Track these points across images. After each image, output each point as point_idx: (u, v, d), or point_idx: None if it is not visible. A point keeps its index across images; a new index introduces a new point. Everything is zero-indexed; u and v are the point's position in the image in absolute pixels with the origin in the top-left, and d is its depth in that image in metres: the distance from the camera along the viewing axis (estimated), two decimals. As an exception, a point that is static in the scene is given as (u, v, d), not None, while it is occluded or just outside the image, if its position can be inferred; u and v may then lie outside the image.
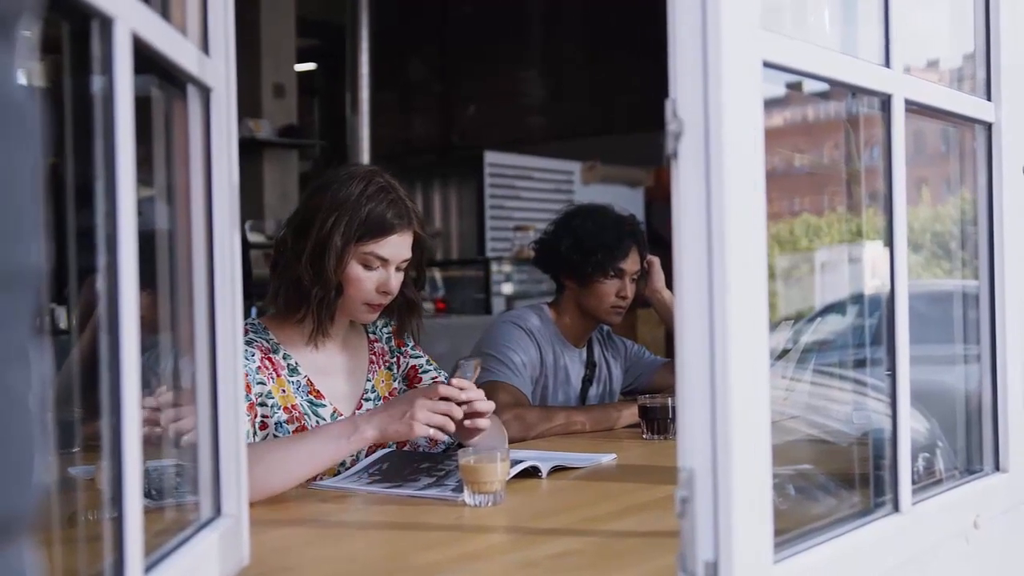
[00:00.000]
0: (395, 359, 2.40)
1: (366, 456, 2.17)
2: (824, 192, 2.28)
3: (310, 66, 10.58)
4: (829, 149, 2.06)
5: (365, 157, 8.69)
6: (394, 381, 2.38)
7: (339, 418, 2.20)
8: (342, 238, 2.13)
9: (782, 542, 1.23)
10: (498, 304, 7.33)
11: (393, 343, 2.41)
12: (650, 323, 6.81)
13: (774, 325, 1.28)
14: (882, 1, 1.50)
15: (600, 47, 9.62)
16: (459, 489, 1.86)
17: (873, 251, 1.88)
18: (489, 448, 1.93)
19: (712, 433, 1.13)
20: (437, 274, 7.72)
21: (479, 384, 2.80)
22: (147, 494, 1.05)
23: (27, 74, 0.60)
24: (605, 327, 3.11)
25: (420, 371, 2.41)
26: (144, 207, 1.09)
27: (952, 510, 1.62)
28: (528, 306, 3.10)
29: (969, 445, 1.81)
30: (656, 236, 3.14)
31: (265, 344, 2.18)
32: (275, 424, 2.12)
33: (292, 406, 2.16)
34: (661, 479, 2.08)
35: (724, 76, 1.13)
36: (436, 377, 2.40)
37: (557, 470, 2.14)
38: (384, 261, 2.18)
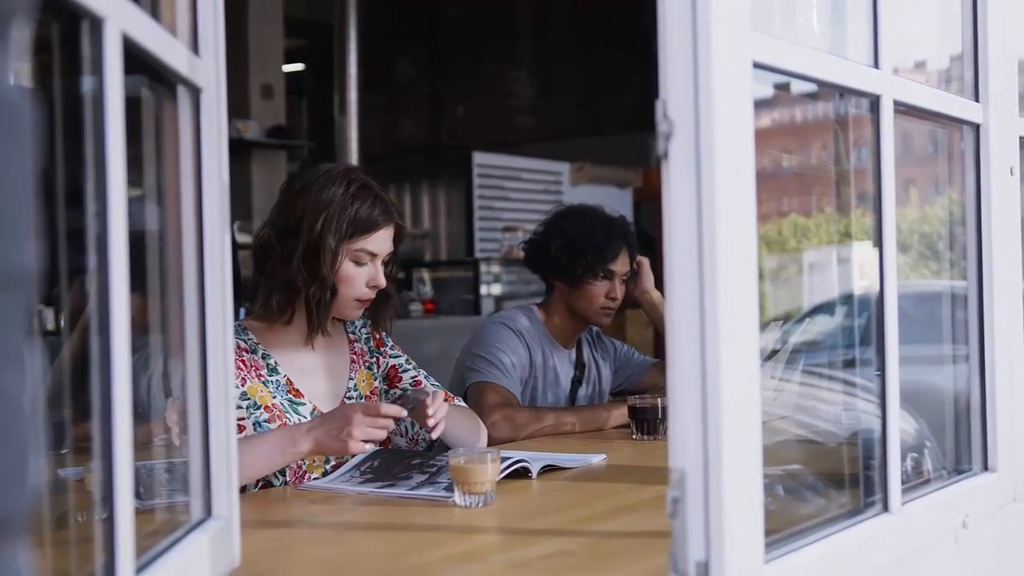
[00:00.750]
0: (375, 359, 2.43)
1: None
2: (812, 193, 2.29)
3: (298, 67, 10.56)
4: (817, 150, 2.07)
5: (353, 158, 8.68)
6: (375, 380, 2.41)
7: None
8: (334, 237, 2.17)
9: (773, 542, 1.23)
10: (487, 305, 7.33)
11: (372, 343, 2.44)
12: (638, 324, 6.82)
13: (762, 326, 1.28)
14: (871, 2, 1.50)
15: (589, 48, 9.63)
16: (451, 488, 1.86)
17: (861, 252, 1.88)
18: (467, 442, 1.94)
19: (703, 433, 1.14)
20: (426, 275, 7.71)
21: (467, 386, 2.81)
22: (136, 494, 1.05)
23: (19, 75, 0.60)
24: (594, 328, 3.11)
25: (400, 370, 2.45)
26: (132, 207, 1.09)
27: (941, 510, 1.63)
28: (517, 307, 3.10)
29: (958, 445, 1.82)
30: (645, 237, 3.14)
31: (242, 344, 2.19)
32: (254, 424, 2.13)
33: (272, 405, 2.17)
34: (651, 479, 2.08)
35: (714, 77, 1.13)
36: (416, 376, 2.44)
37: (547, 470, 2.15)
38: (373, 256, 2.23)
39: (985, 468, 1.76)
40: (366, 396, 2.38)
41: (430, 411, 2.08)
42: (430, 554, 1.58)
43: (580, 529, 1.71)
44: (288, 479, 2.15)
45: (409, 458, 2.11)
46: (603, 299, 2.92)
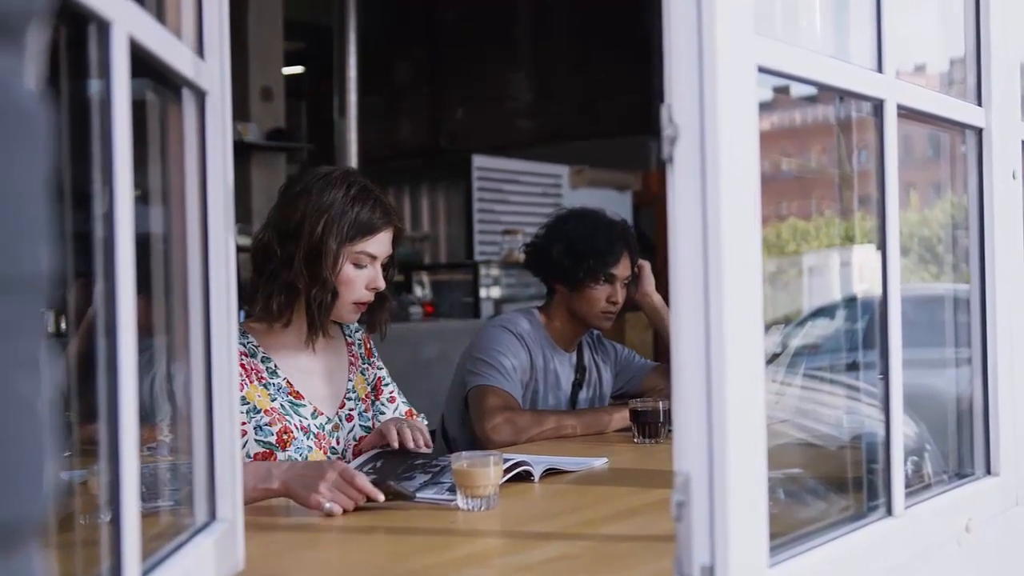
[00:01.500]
0: (367, 366, 2.45)
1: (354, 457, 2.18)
2: (811, 196, 2.29)
3: (297, 69, 10.57)
4: (816, 153, 2.07)
5: (353, 160, 8.67)
6: (368, 387, 2.43)
7: (319, 417, 2.25)
8: (336, 240, 2.17)
9: (777, 546, 1.23)
10: (486, 308, 7.32)
11: (363, 350, 2.46)
12: (638, 327, 6.82)
13: (764, 329, 1.28)
14: (874, 6, 1.50)
15: (589, 50, 9.63)
16: (455, 489, 1.86)
17: (862, 255, 1.89)
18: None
19: (708, 437, 1.14)
20: (425, 277, 7.70)
21: (468, 389, 2.81)
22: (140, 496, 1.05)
23: (35, 79, 0.60)
24: (595, 331, 3.11)
25: (383, 383, 2.47)
26: (136, 210, 1.09)
27: (944, 514, 1.63)
28: (518, 310, 3.10)
29: (960, 449, 1.82)
30: (644, 240, 3.14)
31: (242, 347, 2.19)
32: (255, 428, 2.13)
33: (272, 408, 2.18)
34: (653, 483, 2.08)
35: (719, 81, 1.13)
36: (393, 392, 2.46)
37: (549, 473, 2.15)
38: (373, 258, 2.24)
39: (988, 472, 1.77)
40: (363, 398, 2.40)
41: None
42: (433, 557, 1.58)
43: (583, 533, 1.71)
44: None
45: (412, 458, 2.11)
46: (604, 303, 2.92)
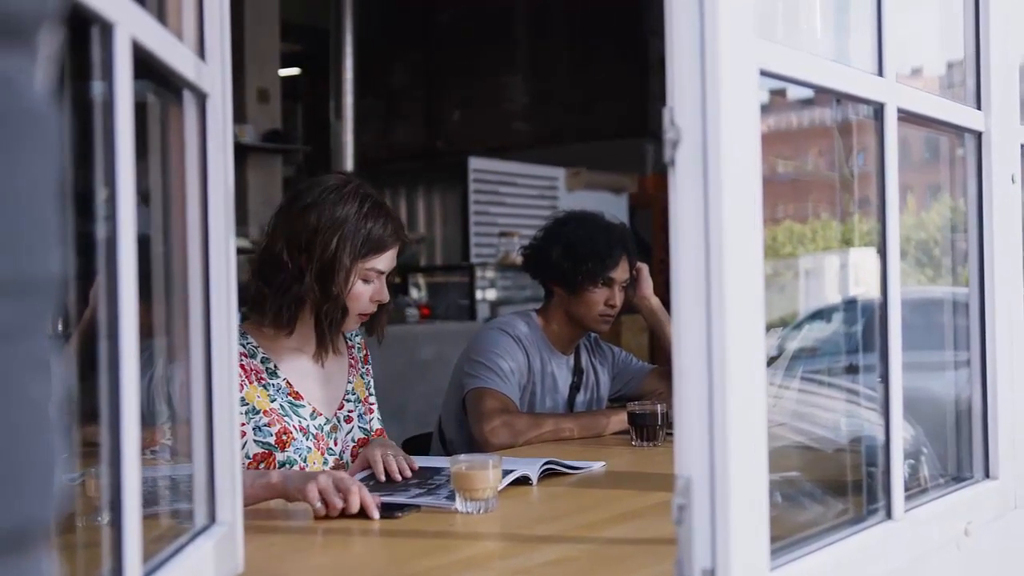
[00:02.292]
0: (365, 370, 2.47)
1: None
2: (807, 199, 2.29)
3: (294, 71, 10.56)
4: (813, 156, 2.07)
5: (349, 163, 8.66)
6: (366, 390, 2.45)
7: (318, 418, 2.25)
8: (349, 257, 2.18)
9: (778, 549, 1.23)
10: (483, 310, 7.32)
11: (362, 354, 2.47)
12: (634, 329, 6.82)
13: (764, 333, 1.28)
14: (874, 9, 1.51)
15: (585, 53, 9.64)
16: (451, 498, 1.85)
17: (859, 258, 1.89)
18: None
19: (710, 441, 1.13)
20: (421, 280, 7.71)
21: (466, 392, 2.81)
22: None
23: (46, 82, 0.60)
24: (593, 334, 3.11)
25: (369, 392, 2.48)
26: (138, 212, 1.09)
27: (943, 517, 1.63)
28: (516, 313, 3.09)
29: (959, 452, 1.82)
30: (641, 243, 3.14)
31: (241, 348, 2.19)
32: (254, 429, 2.14)
33: (271, 409, 2.18)
34: (652, 486, 2.08)
35: (722, 84, 1.13)
36: (374, 404, 2.45)
37: (548, 475, 2.14)
38: (380, 273, 2.25)
39: (987, 476, 1.77)
40: (363, 400, 2.41)
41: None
42: (432, 561, 1.58)
43: (582, 536, 1.71)
44: None
45: (407, 477, 2.10)
46: (602, 306, 2.92)
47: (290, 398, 2.24)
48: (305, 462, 2.17)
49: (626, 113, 9.05)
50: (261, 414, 2.16)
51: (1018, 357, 1.82)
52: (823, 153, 2.00)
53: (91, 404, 0.98)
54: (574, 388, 3.04)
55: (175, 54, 1.17)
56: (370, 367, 2.48)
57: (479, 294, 7.37)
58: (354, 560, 1.65)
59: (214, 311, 1.32)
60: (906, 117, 1.55)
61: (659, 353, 3.45)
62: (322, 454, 2.24)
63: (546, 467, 2.15)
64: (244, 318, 2.38)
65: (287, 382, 2.25)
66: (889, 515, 1.48)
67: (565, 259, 2.90)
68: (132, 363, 0.97)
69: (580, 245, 2.89)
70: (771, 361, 1.99)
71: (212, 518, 1.32)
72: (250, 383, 2.18)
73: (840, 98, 1.56)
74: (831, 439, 1.90)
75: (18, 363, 0.55)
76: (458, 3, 10.10)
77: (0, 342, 0.54)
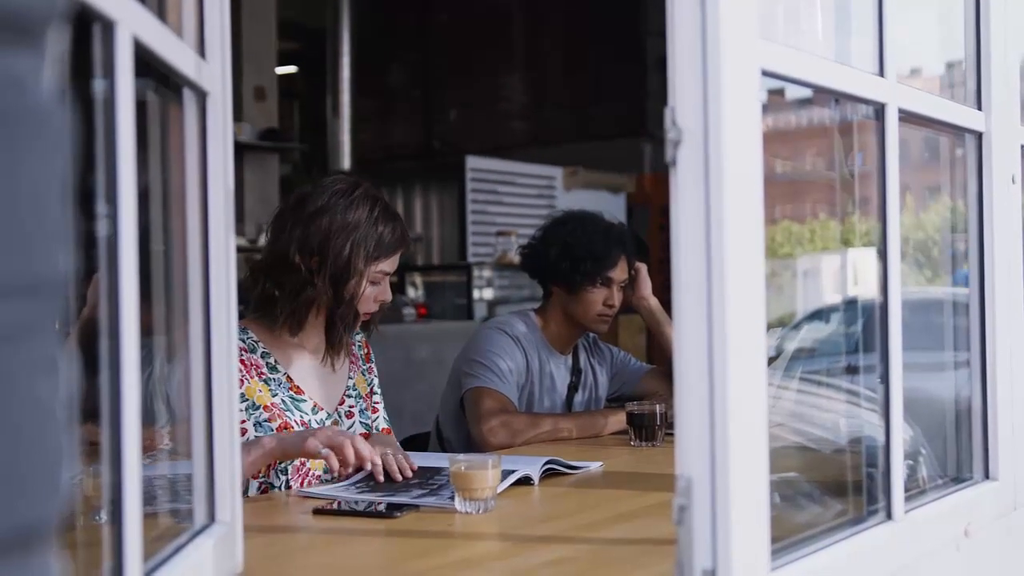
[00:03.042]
0: (367, 368, 2.48)
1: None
2: (806, 199, 2.29)
3: (291, 69, 10.55)
4: (811, 156, 2.07)
5: (346, 162, 8.66)
6: (368, 387, 2.46)
7: (319, 413, 2.28)
8: (363, 262, 2.22)
9: (779, 549, 1.23)
10: (479, 309, 7.31)
11: (363, 352, 2.49)
12: (631, 329, 6.82)
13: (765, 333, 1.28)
14: (876, 11, 1.51)
15: (582, 53, 9.64)
16: (453, 499, 1.85)
17: (857, 258, 1.89)
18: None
19: (710, 442, 1.13)
20: (418, 279, 7.70)
21: (464, 391, 2.81)
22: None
23: (53, 81, 0.59)
24: (591, 334, 3.11)
25: (374, 391, 2.49)
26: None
27: (943, 518, 1.63)
28: (514, 312, 3.09)
29: (959, 453, 1.82)
30: (639, 243, 3.13)
31: (241, 343, 2.20)
32: (254, 425, 2.15)
33: (271, 404, 2.18)
34: (651, 486, 2.08)
35: (724, 84, 1.13)
36: (379, 403, 2.48)
37: (548, 476, 2.14)
38: (386, 275, 2.29)
39: (986, 476, 1.77)
40: (364, 396, 2.42)
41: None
42: (431, 560, 1.58)
43: (582, 536, 1.71)
44: (290, 477, 2.15)
45: (408, 478, 2.10)
46: (600, 306, 2.92)
47: (291, 393, 2.25)
48: (308, 460, 2.17)
49: (624, 113, 9.05)
50: (261, 409, 2.17)
51: (1018, 357, 1.82)
52: (821, 153, 2.00)
53: (88, 403, 0.98)
54: (572, 388, 3.04)
55: (176, 52, 1.17)
56: (373, 365, 2.48)
57: (476, 293, 7.36)
58: (354, 560, 1.64)
59: (214, 309, 1.32)
60: (907, 117, 1.55)
61: (657, 353, 3.45)
62: (324, 449, 2.25)
63: (546, 467, 2.15)
64: (243, 314, 2.38)
65: (287, 377, 2.26)
66: (889, 516, 1.48)
67: (564, 259, 2.90)
68: (133, 361, 0.96)
69: (579, 245, 2.89)
70: (770, 362, 1.99)
71: (211, 517, 1.32)
72: (251, 378, 2.19)
73: (841, 98, 1.56)
74: (830, 440, 1.90)
75: (26, 362, 0.54)
76: (455, 2, 10.10)
77: (8, 341, 0.53)
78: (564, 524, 1.80)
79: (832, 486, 1.68)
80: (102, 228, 0.95)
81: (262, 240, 6.88)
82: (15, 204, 0.54)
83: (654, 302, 3.05)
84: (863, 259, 1.73)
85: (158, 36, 1.09)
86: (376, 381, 2.49)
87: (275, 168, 8.10)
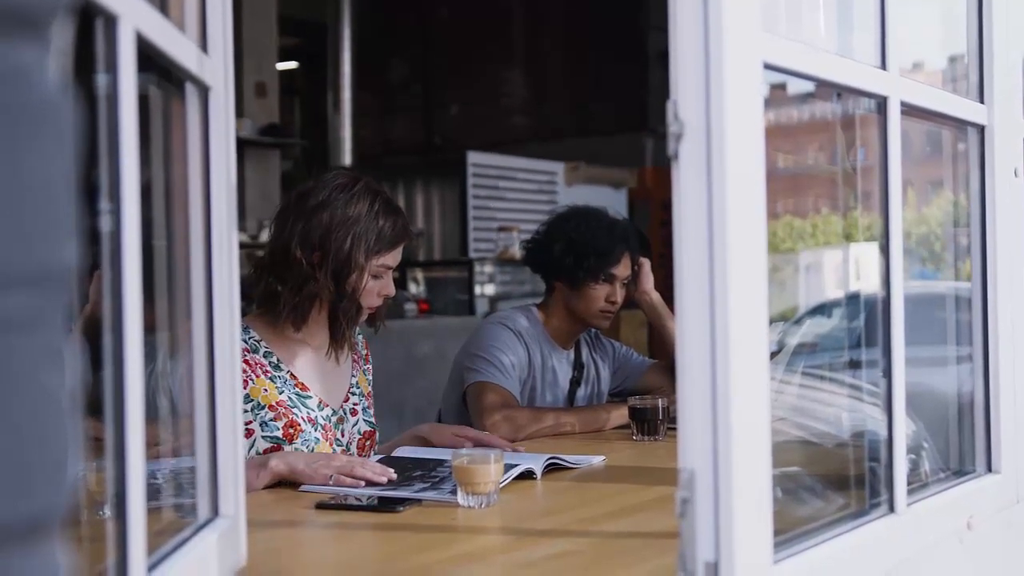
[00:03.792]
0: (367, 367, 2.49)
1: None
2: (808, 194, 2.29)
3: (292, 65, 10.55)
4: (813, 150, 2.07)
5: (347, 158, 8.66)
6: (368, 385, 2.47)
7: (325, 409, 2.28)
8: (364, 256, 2.21)
9: (781, 542, 1.23)
10: (481, 305, 7.31)
11: (365, 351, 2.50)
12: (633, 324, 6.82)
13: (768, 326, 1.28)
14: (878, 4, 1.50)
15: (584, 47, 9.63)
16: (456, 492, 1.85)
17: (860, 253, 1.89)
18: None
19: (713, 434, 1.14)
20: (420, 274, 7.70)
21: (466, 386, 2.81)
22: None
23: (59, 73, 0.59)
24: (593, 328, 3.11)
25: (371, 388, 2.50)
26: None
27: (946, 511, 1.63)
28: (516, 307, 3.09)
29: (961, 446, 1.82)
30: (642, 238, 3.13)
31: (243, 344, 2.20)
32: (260, 424, 2.15)
33: (277, 403, 2.18)
34: (654, 480, 2.08)
35: (726, 77, 1.13)
36: (369, 404, 2.47)
37: (550, 470, 2.14)
38: (389, 269, 2.28)
39: (989, 470, 1.77)
40: (366, 395, 2.43)
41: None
42: (434, 555, 1.58)
43: (584, 530, 1.71)
44: None
45: (411, 468, 2.11)
46: (603, 302, 2.92)
47: (297, 390, 2.25)
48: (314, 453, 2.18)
49: (625, 108, 9.05)
50: (266, 409, 2.17)
51: (1020, 351, 1.82)
52: (823, 148, 2.00)
53: (92, 399, 0.98)
54: (575, 383, 3.04)
55: (178, 46, 1.17)
56: (371, 367, 2.49)
57: (478, 289, 7.36)
58: (356, 553, 1.65)
59: (216, 303, 1.32)
60: (909, 111, 1.55)
61: (659, 348, 3.45)
62: (330, 445, 2.26)
63: (549, 462, 2.15)
64: (246, 311, 2.38)
65: (291, 374, 2.26)
66: (891, 509, 1.48)
67: (567, 255, 2.90)
68: (136, 357, 0.96)
69: (582, 241, 2.88)
70: (772, 356, 2.00)
71: (215, 511, 1.32)
72: (256, 377, 2.19)
73: (843, 92, 1.56)
74: (833, 434, 1.91)
75: (34, 353, 0.55)
76: (456, -3, 10.10)
77: (16, 332, 0.54)
78: (566, 518, 1.80)
79: (834, 480, 1.68)
80: (105, 224, 0.96)
81: (263, 236, 6.90)
82: (20, 196, 0.54)
83: (656, 297, 3.04)
84: (865, 254, 1.73)
85: (160, 30, 1.09)
86: (371, 380, 2.50)
87: (276, 164, 8.10)
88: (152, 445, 1.39)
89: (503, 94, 10.09)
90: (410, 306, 6.65)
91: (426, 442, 2.41)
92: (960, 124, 1.78)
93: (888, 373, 1.49)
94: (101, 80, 0.96)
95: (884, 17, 1.49)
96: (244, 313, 2.41)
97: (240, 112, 7.55)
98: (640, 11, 8.80)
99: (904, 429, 1.49)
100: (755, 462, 1.17)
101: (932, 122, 1.78)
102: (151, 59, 1.11)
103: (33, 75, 0.56)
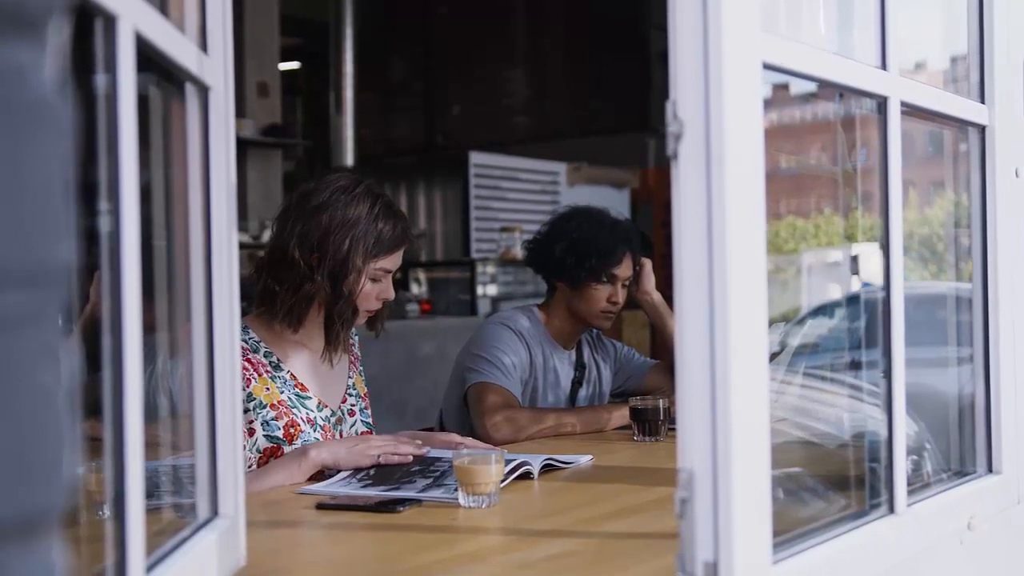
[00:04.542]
0: (360, 368, 2.50)
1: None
2: (810, 194, 2.29)
3: (294, 65, 10.56)
4: (815, 151, 2.07)
5: (349, 158, 8.66)
6: (364, 387, 2.48)
7: (324, 410, 2.29)
8: (362, 258, 2.22)
9: (781, 543, 1.23)
10: (483, 305, 7.31)
11: (357, 352, 2.50)
12: (635, 325, 6.83)
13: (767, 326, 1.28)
14: (878, 3, 1.50)
15: (585, 47, 9.63)
16: (456, 491, 1.85)
17: (860, 253, 1.89)
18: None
19: (712, 434, 1.13)
20: (422, 275, 7.70)
21: (468, 387, 2.81)
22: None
23: (55, 72, 0.59)
24: (595, 329, 3.11)
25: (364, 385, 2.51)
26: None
27: (946, 511, 1.63)
28: (517, 308, 3.09)
29: (962, 447, 1.82)
30: (644, 239, 3.13)
31: (244, 344, 2.20)
32: (262, 424, 2.15)
33: (279, 402, 2.19)
34: (654, 480, 2.08)
35: (725, 77, 1.13)
36: (367, 407, 2.49)
37: (548, 471, 2.14)
38: (388, 272, 2.29)
39: (990, 470, 1.77)
40: (363, 396, 2.45)
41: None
42: (434, 555, 1.58)
43: (585, 530, 1.71)
44: None
45: (409, 464, 2.11)
46: (605, 303, 2.92)
47: (297, 390, 2.26)
48: None
49: (627, 108, 9.05)
50: (268, 408, 2.18)
51: (1021, 351, 1.81)
52: (825, 148, 1.99)
53: (91, 399, 0.98)
54: (576, 383, 3.04)
55: (178, 47, 1.17)
56: (362, 368, 2.50)
57: (480, 289, 7.36)
58: (356, 553, 1.65)
59: (216, 303, 1.32)
60: (909, 111, 1.55)
61: (660, 348, 3.44)
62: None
63: (545, 463, 2.15)
64: (245, 311, 2.39)
65: (291, 375, 2.26)
66: (892, 509, 1.48)
67: (569, 255, 2.90)
68: (135, 357, 0.97)
69: (584, 241, 2.88)
70: (773, 357, 1.99)
71: (215, 511, 1.32)
72: (258, 376, 2.20)
73: (843, 92, 1.56)
74: (833, 434, 1.90)
75: (31, 352, 0.55)
76: (458, -3, 10.11)
77: (12, 330, 0.54)
78: (567, 518, 1.80)
79: (835, 480, 1.68)
80: (104, 224, 0.96)
81: (265, 237, 6.90)
82: (17, 194, 0.54)
83: (657, 297, 3.04)
84: (867, 254, 1.73)
85: (160, 30, 1.09)
86: (364, 380, 2.51)
87: (278, 164, 8.11)
88: (152, 445, 1.40)
89: (505, 94, 10.10)
90: (412, 306, 6.66)
91: None
92: (961, 124, 1.77)
93: (888, 373, 1.49)
94: (100, 80, 0.96)
95: (884, 17, 1.49)
96: (244, 313, 2.42)
97: (242, 112, 7.56)
98: (642, 10, 8.80)
99: (904, 429, 1.49)
100: (755, 462, 1.17)
101: (933, 122, 1.78)
102: (150, 59, 1.11)
103: (29, 74, 0.56)
